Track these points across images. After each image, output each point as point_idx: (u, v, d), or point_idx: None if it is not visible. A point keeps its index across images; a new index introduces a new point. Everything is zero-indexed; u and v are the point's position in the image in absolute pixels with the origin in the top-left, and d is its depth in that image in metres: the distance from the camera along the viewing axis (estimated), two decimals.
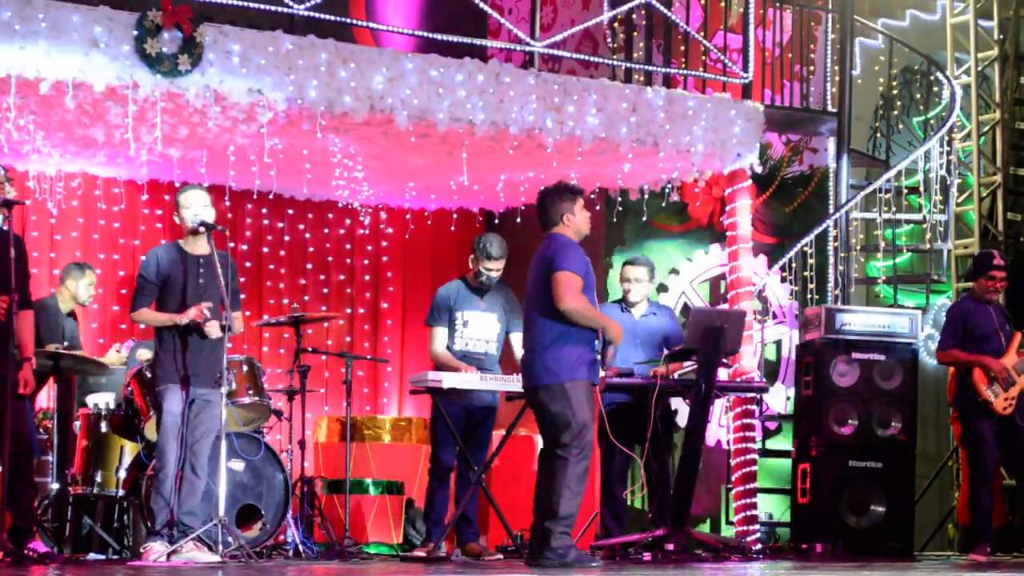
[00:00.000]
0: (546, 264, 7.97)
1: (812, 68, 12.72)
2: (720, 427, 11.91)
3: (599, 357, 8.02)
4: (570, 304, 7.85)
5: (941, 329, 10.43)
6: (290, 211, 12.20)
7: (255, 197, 11.42)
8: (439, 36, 10.03)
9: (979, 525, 10.12)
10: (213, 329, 8.30)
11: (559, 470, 7.86)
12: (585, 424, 7.87)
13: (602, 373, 8.15)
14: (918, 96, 14.54)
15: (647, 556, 9.15)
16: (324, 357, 11.63)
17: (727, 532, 11.29)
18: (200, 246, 8.47)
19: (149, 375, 8.66)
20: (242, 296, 11.75)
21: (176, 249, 8.48)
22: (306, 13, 9.44)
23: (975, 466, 10.15)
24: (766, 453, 11.53)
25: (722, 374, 9.65)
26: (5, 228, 8.02)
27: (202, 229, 8.37)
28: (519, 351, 9.54)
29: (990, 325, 10.11)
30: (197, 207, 8.40)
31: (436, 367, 9.50)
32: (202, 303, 8.29)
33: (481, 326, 9.61)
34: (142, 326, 8.71)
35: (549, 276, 7.92)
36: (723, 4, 12.20)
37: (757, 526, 10.92)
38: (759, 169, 10.96)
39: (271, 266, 12.20)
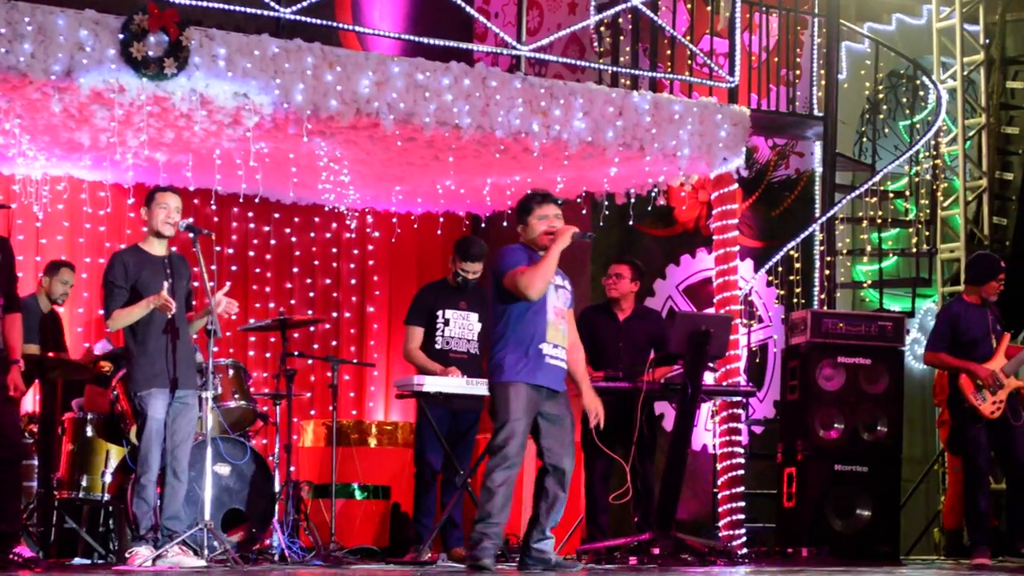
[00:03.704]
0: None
1: (798, 72, 12.73)
2: (706, 431, 11.92)
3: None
4: (522, 283, 7.63)
5: (930, 331, 10.42)
6: (276, 215, 12.18)
7: (241, 201, 11.39)
8: (425, 40, 10.02)
9: (976, 529, 10.10)
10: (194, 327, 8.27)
11: None
12: (503, 424, 7.66)
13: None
14: (904, 100, 14.55)
15: (633, 560, 9.16)
16: (310, 361, 11.62)
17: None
18: (161, 248, 8.38)
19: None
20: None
21: (138, 251, 8.36)
22: (292, 17, 9.44)
23: (969, 470, 10.12)
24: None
25: (708, 378, 9.66)
26: None
27: (190, 233, 8.33)
28: None
29: (982, 328, 10.07)
30: (172, 210, 8.33)
31: (418, 368, 9.52)
32: (163, 294, 8.13)
33: (462, 324, 9.63)
34: (112, 329, 8.52)
35: (499, 282, 7.79)
36: (709, 8, 12.21)
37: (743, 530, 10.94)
38: (745, 173, 10.97)
39: (257, 270, 12.18)
